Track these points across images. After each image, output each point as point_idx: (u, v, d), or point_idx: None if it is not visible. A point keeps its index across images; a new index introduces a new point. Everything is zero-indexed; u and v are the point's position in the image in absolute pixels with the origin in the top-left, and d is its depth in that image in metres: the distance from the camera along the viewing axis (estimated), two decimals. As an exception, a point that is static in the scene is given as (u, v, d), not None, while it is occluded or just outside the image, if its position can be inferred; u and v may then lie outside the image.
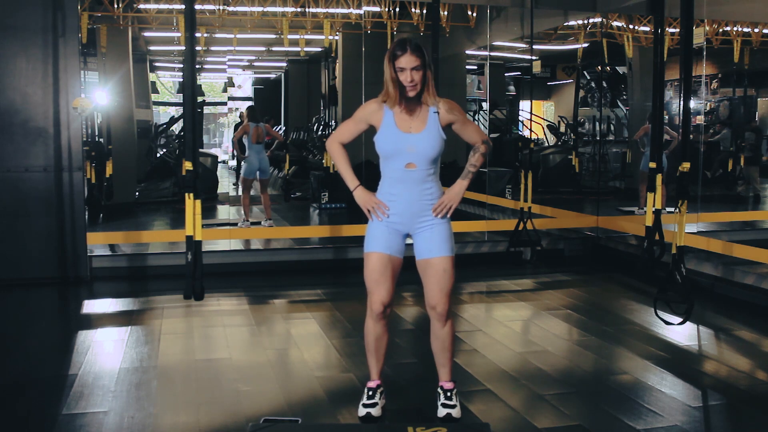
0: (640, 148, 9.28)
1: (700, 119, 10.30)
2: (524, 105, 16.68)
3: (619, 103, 13.55)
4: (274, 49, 13.24)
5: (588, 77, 13.73)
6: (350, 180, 3.17)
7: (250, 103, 8.98)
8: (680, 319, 4.64)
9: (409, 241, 3.23)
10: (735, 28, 10.39)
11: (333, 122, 11.91)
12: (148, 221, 9.48)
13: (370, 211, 3.16)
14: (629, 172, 11.63)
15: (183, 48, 5.47)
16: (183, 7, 5.44)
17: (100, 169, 9.00)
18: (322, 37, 10.98)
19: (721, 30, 10.30)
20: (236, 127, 12.90)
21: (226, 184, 13.56)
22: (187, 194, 4.75)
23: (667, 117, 9.89)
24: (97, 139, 9.94)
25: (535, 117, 15.62)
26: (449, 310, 3.21)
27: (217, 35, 11.73)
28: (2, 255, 6.04)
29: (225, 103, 15.07)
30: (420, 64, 3.00)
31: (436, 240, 3.14)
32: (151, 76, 14.93)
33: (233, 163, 14.28)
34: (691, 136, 7.58)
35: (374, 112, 3.14)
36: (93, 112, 8.59)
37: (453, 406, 3.24)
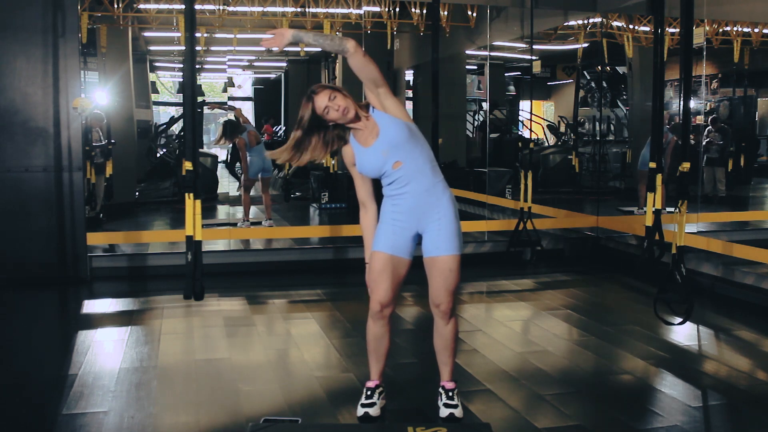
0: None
1: (700, 119, 10.28)
2: (524, 105, 16.71)
3: (619, 103, 13.55)
4: (274, 49, 13.23)
5: (588, 77, 13.72)
6: (366, 253, 3.24)
7: (230, 118, 8.94)
8: (680, 319, 4.64)
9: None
10: (735, 28, 10.38)
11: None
12: (148, 221, 9.48)
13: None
14: (629, 172, 11.62)
15: (183, 48, 5.47)
16: (183, 7, 5.44)
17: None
18: (322, 37, 10.96)
19: (721, 30, 10.29)
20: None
21: (225, 183, 13.56)
22: (187, 194, 4.75)
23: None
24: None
25: (535, 117, 15.64)
26: (453, 308, 3.22)
27: (217, 35, 11.73)
28: (2, 255, 6.04)
29: (225, 103, 15.11)
30: (331, 91, 3.06)
31: (443, 238, 3.13)
32: (151, 76, 14.95)
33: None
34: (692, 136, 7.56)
35: (348, 151, 3.18)
36: (93, 112, 8.59)
37: (455, 406, 3.24)
